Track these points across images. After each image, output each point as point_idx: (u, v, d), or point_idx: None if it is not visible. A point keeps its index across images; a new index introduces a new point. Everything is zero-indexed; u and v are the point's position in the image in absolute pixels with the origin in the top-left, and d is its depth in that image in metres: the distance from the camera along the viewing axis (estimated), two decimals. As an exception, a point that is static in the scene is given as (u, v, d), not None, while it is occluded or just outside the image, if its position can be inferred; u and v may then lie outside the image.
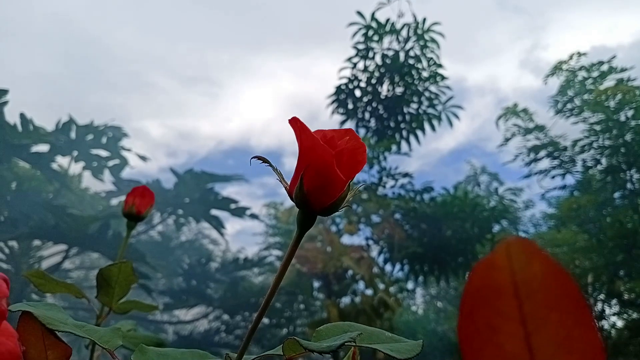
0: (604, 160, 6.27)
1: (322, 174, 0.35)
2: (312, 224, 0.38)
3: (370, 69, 7.90)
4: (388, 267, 7.43)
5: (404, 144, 7.96)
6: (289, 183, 0.39)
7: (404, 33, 7.75)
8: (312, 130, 0.37)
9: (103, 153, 7.19)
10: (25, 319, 0.47)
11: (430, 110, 7.94)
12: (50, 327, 0.43)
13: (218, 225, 7.46)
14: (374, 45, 7.82)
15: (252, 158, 0.37)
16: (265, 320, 7.89)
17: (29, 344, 0.48)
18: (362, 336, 0.40)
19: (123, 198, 0.84)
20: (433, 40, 7.71)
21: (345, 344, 0.34)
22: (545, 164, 6.70)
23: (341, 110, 8.05)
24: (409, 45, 7.75)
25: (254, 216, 7.51)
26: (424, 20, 7.63)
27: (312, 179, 0.36)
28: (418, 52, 7.74)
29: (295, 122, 0.35)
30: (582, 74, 6.46)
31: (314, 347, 0.34)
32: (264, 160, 0.37)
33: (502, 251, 0.16)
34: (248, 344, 0.39)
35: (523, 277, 0.16)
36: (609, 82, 6.24)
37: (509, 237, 0.17)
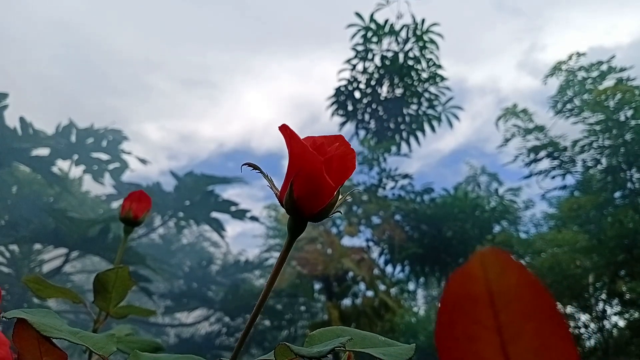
0: (604, 160, 6.26)
1: (311, 181, 0.35)
2: (303, 230, 0.38)
3: (370, 70, 7.91)
4: (389, 269, 7.43)
5: (403, 145, 7.97)
6: (280, 189, 0.39)
7: (403, 34, 7.76)
8: (303, 137, 0.37)
9: (103, 156, 7.21)
10: (20, 326, 0.47)
11: (430, 111, 7.95)
12: (44, 334, 0.43)
13: (218, 227, 7.47)
14: (373, 46, 7.83)
15: (242, 165, 0.37)
16: (267, 322, 7.88)
17: (25, 350, 0.48)
18: (354, 340, 0.40)
19: (124, 201, 0.84)
20: (432, 41, 7.71)
21: (336, 349, 0.34)
22: (545, 164, 6.69)
23: (341, 111, 8.06)
24: (408, 46, 7.75)
25: (254, 218, 7.52)
26: (423, 21, 7.64)
27: (301, 185, 0.36)
28: (417, 53, 7.74)
29: (284, 129, 0.36)
30: (582, 74, 6.45)
31: (305, 352, 0.34)
32: (255, 167, 0.38)
33: (476, 261, 0.17)
34: (240, 348, 0.39)
35: (498, 287, 0.17)
36: (609, 82, 6.24)
37: (483, 248, 0.17)
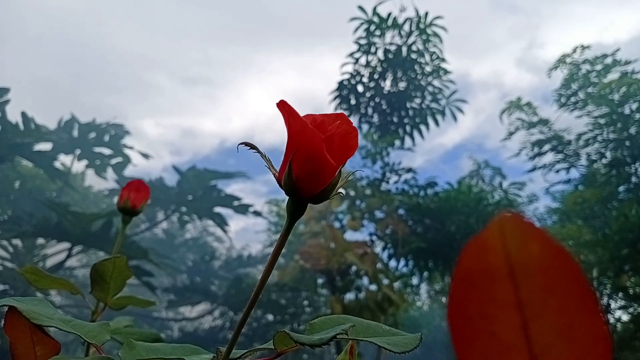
0: (608, 154, 6.23)
1: (311, 160, 0.33)
2: (303, 213, 0.36)
3: (373, 64, 7.87)
4: (392, 263, 7.41)
5: (407, 140, 7.94)
6: (278, 170, 0.37)
7: (406, 27, 7.71)
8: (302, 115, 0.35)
9: (106, 151, 7.20)
10: (12, 315, 0.46)
11: (433, 105, 7.91)
12: (35, 322, 0.41)
13: (221, 222, 7.45)
14: (376, 40, 7.79)
15: (239, 145, 0.35)
16: (270, 316, 7.89)
17: (17, 339, 0.46)
18: (357, 329, 0.39)
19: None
20: (435, 34, 7.67)
21: (337, 336, 0.32)
22: (549, 158, 6.66)
23: (344, 105, 8.03)
24: (412, 39, 7.71)
25: (257, 213, 7.50)
26: (426, 14, 7.59)
27: (301, 164, 0.34)
28: (420, 47, 7.70)
29: (283, 106, 0.34)
30: (586, 67, 6.41)
31: (305, 340, 0.32)
32: (252, 147, 0.36)
33: (494, 230, 0.15)
34: (237, 336, 0.38)
35: (519, 258, 0.15)
36: (613, 75, 6.19)
37: (502, 214, 0.15)
